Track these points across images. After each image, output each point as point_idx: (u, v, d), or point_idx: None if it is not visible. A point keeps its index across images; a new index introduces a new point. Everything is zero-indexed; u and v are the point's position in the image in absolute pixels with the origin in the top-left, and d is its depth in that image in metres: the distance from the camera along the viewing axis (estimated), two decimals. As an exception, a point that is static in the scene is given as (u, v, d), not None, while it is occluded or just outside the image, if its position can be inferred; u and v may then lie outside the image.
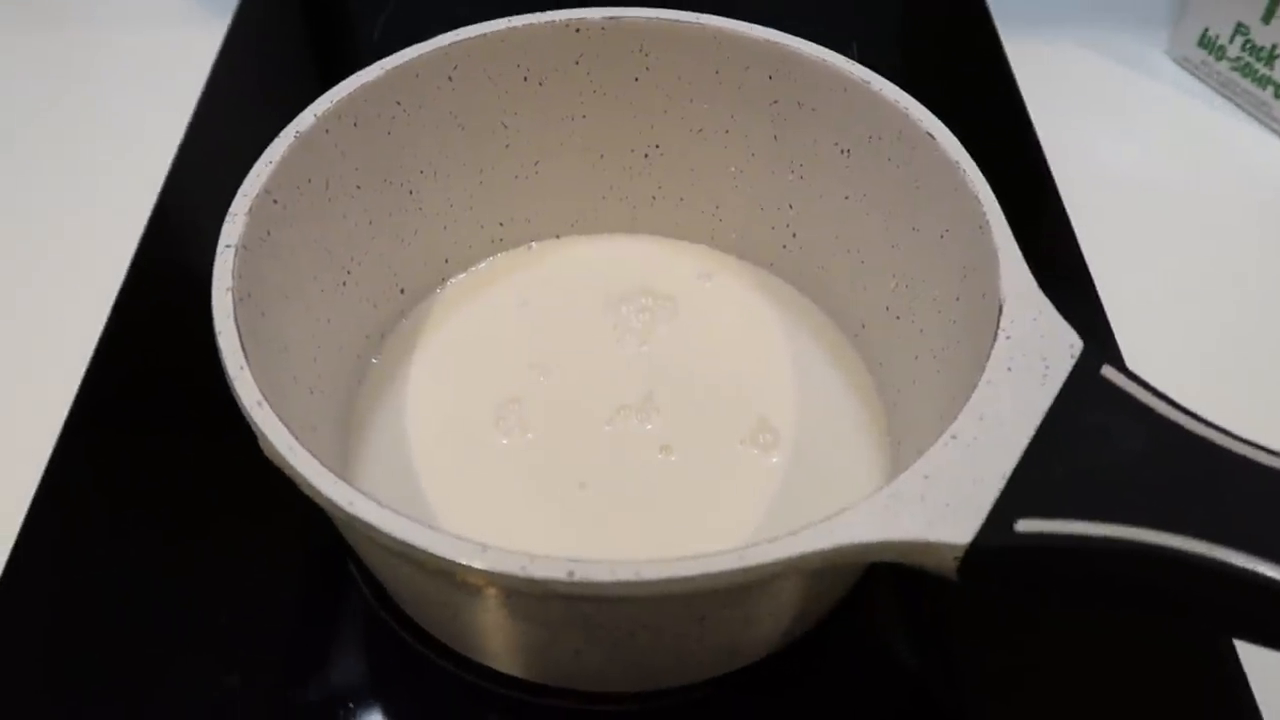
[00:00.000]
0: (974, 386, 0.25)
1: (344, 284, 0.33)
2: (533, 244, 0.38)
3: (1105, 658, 0.31)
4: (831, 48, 0.32)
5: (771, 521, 0.31)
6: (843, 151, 0.33)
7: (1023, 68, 0.50)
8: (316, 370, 0.31)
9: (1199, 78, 0.49)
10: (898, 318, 0.33)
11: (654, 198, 0.38)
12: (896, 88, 0.31)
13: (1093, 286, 0.40)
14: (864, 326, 0.35)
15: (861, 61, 0.32)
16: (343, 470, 0.32)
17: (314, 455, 0.23)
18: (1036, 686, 0.31)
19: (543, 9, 0.33)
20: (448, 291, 0.37)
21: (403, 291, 0.36)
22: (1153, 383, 0.24)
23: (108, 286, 0.40)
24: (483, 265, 0.38)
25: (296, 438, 0.23)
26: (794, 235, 0.36)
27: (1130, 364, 0.37)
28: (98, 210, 0.44)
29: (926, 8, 0.56)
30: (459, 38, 0.32)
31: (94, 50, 0.52)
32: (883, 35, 0.53)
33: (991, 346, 0.25)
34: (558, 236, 0.38)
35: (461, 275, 0.37)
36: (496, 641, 0.27)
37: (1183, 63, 0.50)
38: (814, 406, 0.34)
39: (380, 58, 0.32)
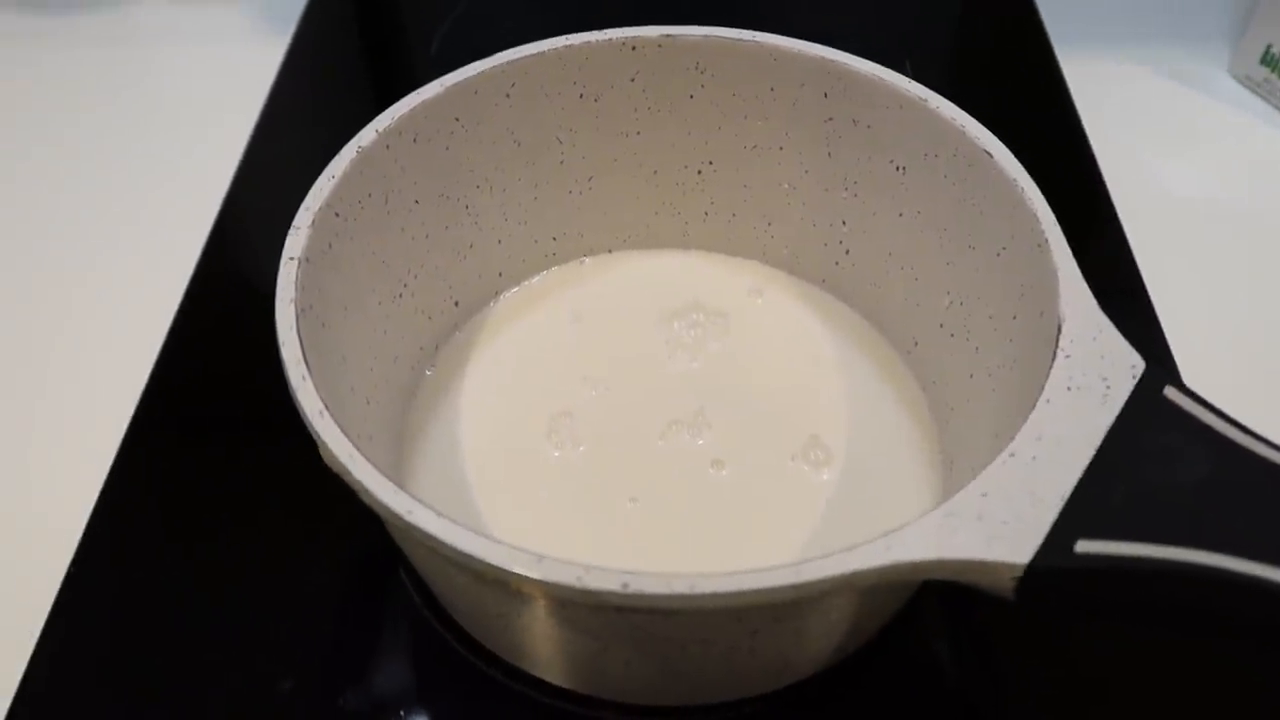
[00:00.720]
0: (1032, 406, 0.24)
1: (400, 296, 0.33)
2: (585, 259, 0.39)
3: (1160, 676, 0.30)
4: (885, 65, 0.32)
5: (822, 539, 0.31)
6: (898, 169, 0.33)
7: (1079, 86, 0.49)
8: (373, 380, 0.31)
9: (1261, 96, 0.49)
10: (952, 335, 0.33)
11: (706, 213, 0.38)
12: (953, 105, 0.31)
13: (1151, 308, 0.40)
14: (916, 344, 0.35)
15: (915, 79, 0.32)
16: (397, 479, 0.32)
17: (373, 464, 0.23)
18: (1091, 707, 0.30)
19: (598, 26, 0.34)
20: (501, 305, 0.37)
21: (457, 304, 0.36)
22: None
23: (171, 296, 0.41)
24: (536, 279, 0.38)
25: (357, 447, 0.23)
26: (847, 252, 0.36)
27: (1190, 386, 0.37)
28: (162, 222, 0.45)
29: (981, 25, 0.56)
30: (517, 55, 0.33)
31: (159, 67, 0.53)
32: (937, 53, 0.53)
33: (1051, 365, 0.25)
34: (610, 251, 0.39)
35: (515, 289, 0.38)
36: (547, 651, 0.27)
37: (1245, 81, 0.49)
38: (866, 424, 0.34)
39: (436, 73, 0.32)
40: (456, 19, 0.55)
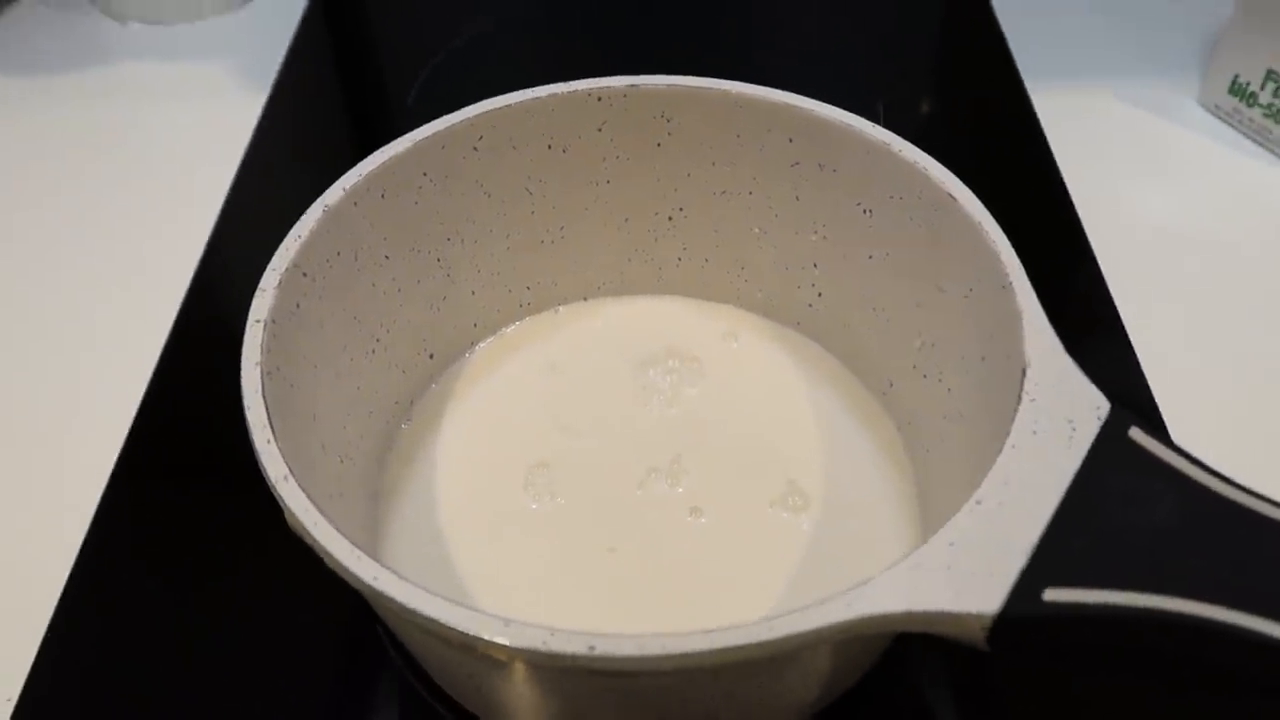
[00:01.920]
0: (999, 451, 0.24)
1: (373, 351, 0.33)
2: (560, 307, 0.39)
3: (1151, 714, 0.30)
4: (859, 103, 0.33)
5: (801, 586, 0.31)
6: (865, 211, 0.33)
7: (1050, 118, 0.50)
8: (346, 437, 0.31)
9: (1231, 125, 0.49)
10: (925, 376, 0.33)
11: (679, 259, 0.38)
12: (916, 149, 0.31)
13: (1127, 341, 0.40)
14: (891, 385, 0.35)
15: (888, 116, 0.32)
16: (372, 537, 0.32)
17: (338, 529, 0.23)
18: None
19: (572, 73, 0.34)
20: (476, 356, 0.37)
21: (431, 357, 0.36)
22: (1191, 439, 0.23)
23: (149, 351, 0.41)
24: (511, 329, 0.38)
25: (322, 511, 0.23)
26: (819, 294, 0.36)
27: (1167, 418, 0.37)
28: (143, 274, 0.45)
29: (952, 60, 0.56)
30: (484, 109, 0.33)
31: (137, 123, 0.53)
32: (910, 88, 0.54)
33: (1016, 409, 0.25)
34: (585, 299, 0.39)
35: (490, 339, 0.38)
36: (523, 712, 0.27)
37: (1214, 110, 0.50)
38: (843, 467, 0.34)
39: (413, 123, 0.32)
40: (434, 69, 0.55)
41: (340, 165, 0.31)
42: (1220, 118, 0.49)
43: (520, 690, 0.25)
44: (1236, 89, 0.48)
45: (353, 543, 0.23)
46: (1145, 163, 0.48)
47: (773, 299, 0.38)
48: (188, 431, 0.39)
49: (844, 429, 0.35)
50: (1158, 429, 0.36)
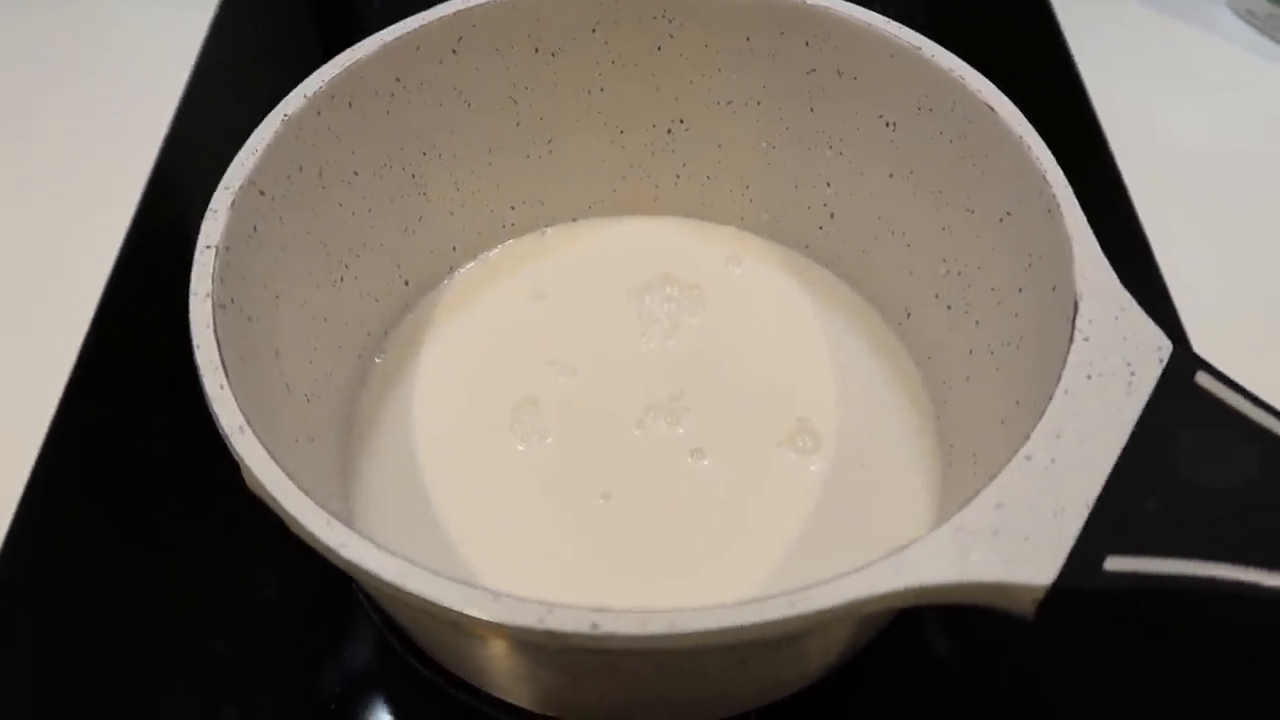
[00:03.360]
0: (1045, 395, 0.22)
1: (342, 279, 0.30)
2: (547, 229, 0.35)
3: (1162, 684, 0.28)
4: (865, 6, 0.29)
5: (813, 536, 0.28)
6: (888, 124, 0.30)
7: (1072, 25, 0.46)
8: (313, 374, 0.28)
9: (1263, 31, 0.46)
10: (949, 307, 0.30)
11: (678, 176, 0.35)
12: (950, 54, 0.28)
13: (1158, 272, 0.37)
14: (909, 315, 0.32)
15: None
16: (344, 483, 0.30)
17: (304, 489, 0.20)
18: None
19: None
20: (456, 282, 0.34)
21: (407, 283, 0.33)
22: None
23: (98, 273, 0.38)
24: (494, 253, 0.35)
25: (284, 469, 0.20)
26: (832, 216, 0.33)
27: (1196, 349, 0.34)
28: (89, 187, 0.42)
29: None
30: (463, 6, 0.29)
31: (81, 22, 0.49)
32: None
33: (1068, 350, 0.22)
34: (574, 220, 0.36)
35: (471, 264, 0.34)
36: (513, 681, 0.25)
37: (1246, 16, 0.46)
38: (856, 404, 0.31)
39: (385, 22, 0.29)
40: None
41: (302, 74, 0.28)
42: (1252, 24, 0.46)
43: (510, 664, 0.23)
44: (1273, -7, 0.45)
45: (321, 505, 0.20)
46: (1173, 73, 0.45)
47: (780, 220, 0.35)
48: (141, 357, 0.36)
49: (857, 362, 0.32)
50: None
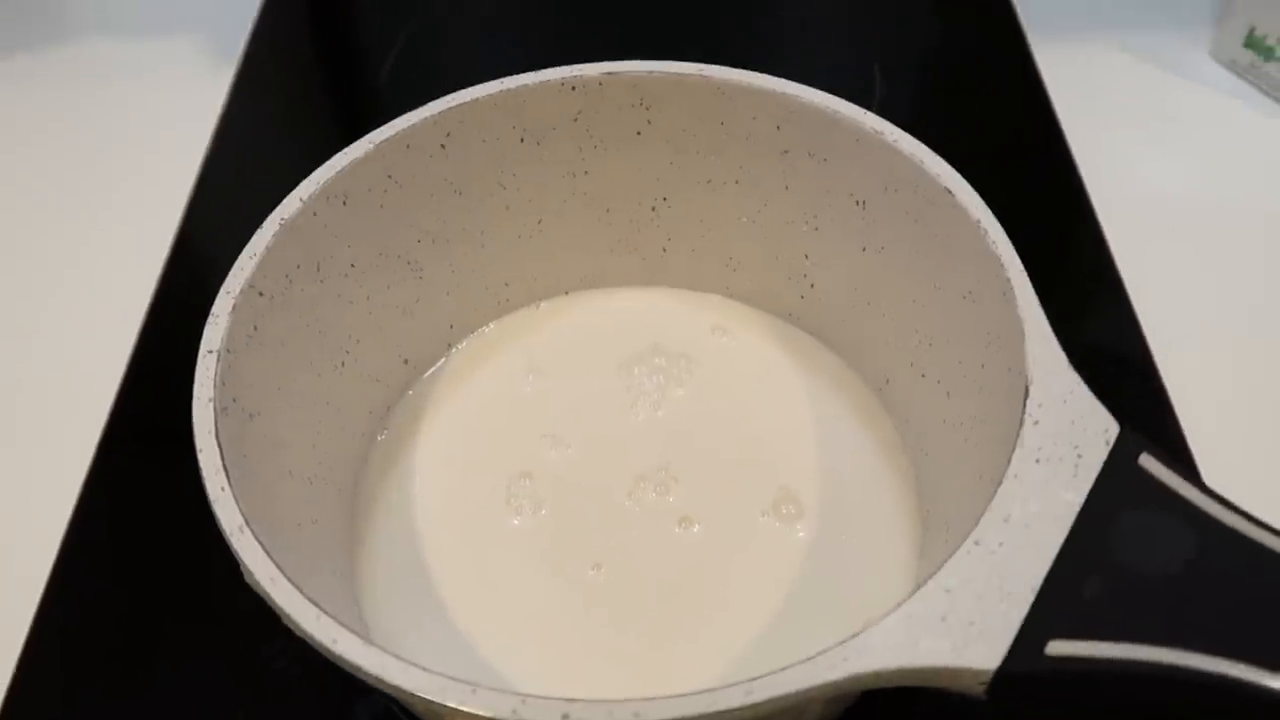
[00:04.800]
0: (998, 481, 0.23)
1: (343, 364, 0.31)
2: (540, 303, 0.37)
3: None
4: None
5: (798, 602, 0.30)
6: (858, 203, 0.31)
7: (1052, 72, 0.47)
8: (316, 458, 0.30)
9: (1247, 81, 0.47)
10: (923, 375, 0.31)
11: (664, 250, 0.36)
12: (912, 139, 0.29)
13: (1134, 316, 0.38)
14: (888, 381, 0.33)
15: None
16: (349, 560, 0.31)
17: (297, 585, 0.22)
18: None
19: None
20: (454, 359, 0.36)
21: (406, 362, 0.34)
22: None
23: (126, 333, 0.40)
24: (489, 328, 0.36)
25: (281, 569, 0.22)
26: (812, 286, 0.34)
27: (1173, 396, 0.35)
28: (110, 264, 0.44)
29: (951, 16, 0.53)
30: (449, 105, 0.31)
31: (101, 103, 0.51)
32: (905, 40, 0.51)
33: (1018, 433, 0.23)
34: (566, 293, 0.37)
35: (467, 340, 0.36)
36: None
37: (1229, 65, 0.47)
38: (839, 470, 0.32)
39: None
40: (409, 38, 0.53)
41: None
42: (1235, 72, 0.47)
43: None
44: (1253, 42, 0.45)
45: (322, 588, 0.22)
46: (1155, 121, 0.46)
47: (763, 290, 0.36)
48: (171, 421, 0.38)
49: (839, 427, 0.33)
50: (1164, 413, 0.35)
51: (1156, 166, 0.44)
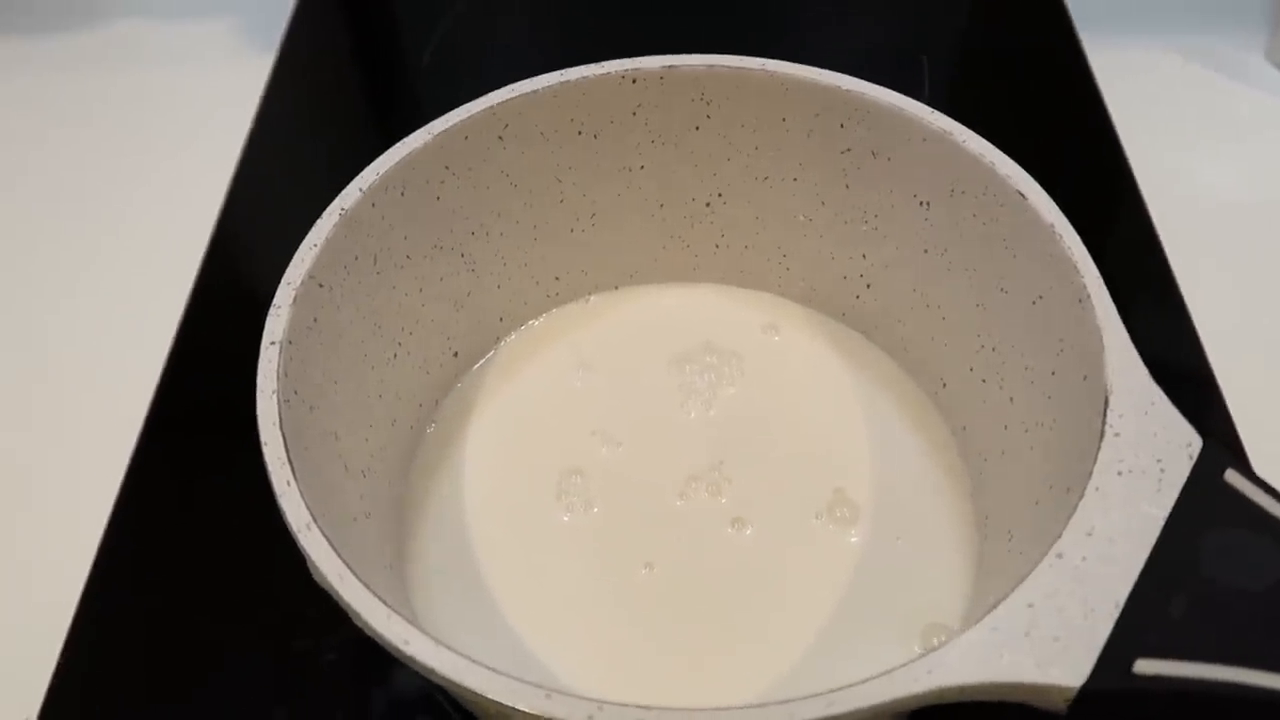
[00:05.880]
0: (1076, 483, 0.23)
1: (395, 356, 0.31)
2: (590, 297, 0.36)
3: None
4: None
5: (851, 608, 0.29)
6: (921, 204, 0.31)
7: (1107, 75, 0.47)
8: (369, 450, 0.30)
9: (1303, 84, 0.46)
10: (984, 381, 0.31)
11: (717, 246, 0.36)
12: (982, 140, 0.28)
13: (1191, 326, 0.37)
14: (944, 385, 0.33)
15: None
16: (398, 553, 0.31)
17: (367, 585, 0.21)
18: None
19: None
20: (503, 352, 0.35)
21: (456, 355, 0.34)
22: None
23: (168, 319, 0.40)
24: (538, 322, 0.36)
25: (349, 565, 0.21)
26: (868, 286, 0.34)
27: (1231, 405, 0.35)
28: (148, 253, 0.43)
29: (1001, 12, 0.53)
30: (509, 95, 0.30)
31: (140, 86, 0.51)
32: (954, 43, 0.50)
33: (1099, 445, 0.23)
34: (616, 288, 0.37)
35: (516, 333, 0.36)
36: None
37: (1285, 68, 0.46)
38: (894, 474, 0.32)
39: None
40: (450, 28, 0.52)
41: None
42: (1291, 76, 0.46)
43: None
44: (1311, 45, 0.45)
45: (378, 581, 0.22)
46: (1210, 126, 0.45)
47: (817, 289, 0.35)
48: (211, 408, 0.37)
49: (894, 431, 0.33)
50: (1224, 423, 0.35)
51: (1211, 170, 0.44)
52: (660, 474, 0.32)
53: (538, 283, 0.35)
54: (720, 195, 0.34)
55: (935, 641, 0.28)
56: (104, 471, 0.35)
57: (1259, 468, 0.33)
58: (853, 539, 0.31)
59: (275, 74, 0.50)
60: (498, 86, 0.31)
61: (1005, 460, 0.29)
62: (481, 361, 0.35)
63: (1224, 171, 0.44)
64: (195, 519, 0.35)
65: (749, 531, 0.31)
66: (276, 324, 0.26)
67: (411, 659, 0.20)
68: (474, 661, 0.20)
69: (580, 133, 0.32)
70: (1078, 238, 0.26)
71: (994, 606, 0.21)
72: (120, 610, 0.33)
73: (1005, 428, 0.29)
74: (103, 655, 0.32)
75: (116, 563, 0.34)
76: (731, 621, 0.29)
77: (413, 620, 0.27)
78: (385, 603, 0.21)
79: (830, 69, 0.31)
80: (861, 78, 0.30)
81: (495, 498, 0.32)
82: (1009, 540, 0.28)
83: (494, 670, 0.20)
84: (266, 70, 0.50)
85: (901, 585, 0.30)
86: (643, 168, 0.34)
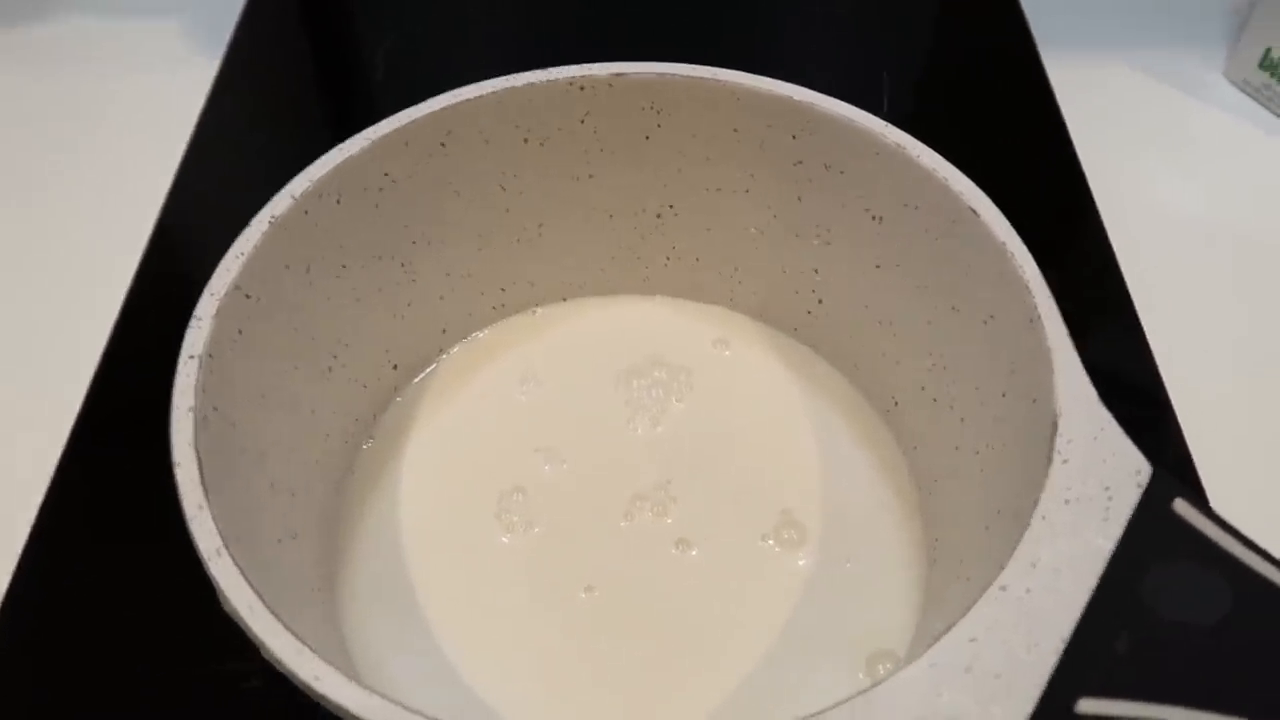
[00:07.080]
0: (1024, 510, 0.22)
1: (330, 370, 0.30)
2: (537, 309, 0.35)
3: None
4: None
5: (797, 632, 0.28)
6: (874, 218, 0.30)
7: (1065, 91, 0.46)
8: (299, 469, 0.28)
9: (1261, 102, 0.46)
10: (935, 400, 0.30)
11: (667, 258, 0.35)
12: (935, 155, 0.28)
13: (1143, 336, 0.37)
14: (896, 403, 0.32)
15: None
16: (329, 574, 0.30)
17: (279, 617, 0.20)
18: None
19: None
20: (445, 365, 0.34)
21: (395, 368, 0.33)
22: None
23: (95, 341, 0.38)
24: (483, 334, 0.35)
25: (260, 595, 0.20)
26: (820, 301, 0.33)
27: (1185, 429, 0.34)
28: (84, 256, 0.42)
29: (961, 26, 0.52)
30: (451, 101, 0.29)
31: (80, 86, 0.49)
32: (914, 55, 0.50)
33: (1046, 471, 0.22)
34: (564, 300, 0.36)
35: (460, 345, 0.35)
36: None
37: (1243, 86, 0.46)
38: (843, 494, 0.31)
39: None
40: (403, 31, 0.51)
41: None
42: (1249, 94, 0.46)
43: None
44: (1268, 64, 0.45)
45: (301, 606, 0.20)
46: (1167, 142, 0.45)
47: (768, 303, 0.35)
48: (142, 420, 0.36)
49: (844, 450, 0.32)
50: (1176, 444, 0.34)
51: (1168, 187, 0.43)
52: (605, 493, 0.31)
53: (482, 294, 0.34)
54: (671, 206, 0.34)
55: (881, 670, 0.27)
56: (29, 478, 0.34)
57: (1212, 490, 0.33)
58: (800, 562, 0.30)
59: (222, 73, 0.49)
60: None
61: (956, 482, 0.29)
62: (422, 375, 0.34)
63: (1182, 189, 0.43)
64: (125, 530, 0.33)
65: (694, 553, 0.30)
66: (197, 336, 0.24)
67: (323, 697, 0.19)
68: (389, 700, 0.19)
69: (526, 140, 0.31)
70: (1030, 257, 0.26)
71: (936, 639, 0.20)
72: (34, 633, 0.31)
73: (956, 448, 0.29)
74: (9, 683, 0.31)
75: (42, 571, 0.32)
76: (674, 647, 0.28)
77: (341, 645, 0.26)
78: (297, 635, 0.20)
79: (792, 82, 0.30)
80: (823, 92, 0.30)
81: (433, 517, 0.31)
82: (959, 565, 0.27)
83: (411, 710, 0.19)
84: (213, 70, 0.49)
85: (849, 610, 0.29)
86: (591, 177, 0.33)
